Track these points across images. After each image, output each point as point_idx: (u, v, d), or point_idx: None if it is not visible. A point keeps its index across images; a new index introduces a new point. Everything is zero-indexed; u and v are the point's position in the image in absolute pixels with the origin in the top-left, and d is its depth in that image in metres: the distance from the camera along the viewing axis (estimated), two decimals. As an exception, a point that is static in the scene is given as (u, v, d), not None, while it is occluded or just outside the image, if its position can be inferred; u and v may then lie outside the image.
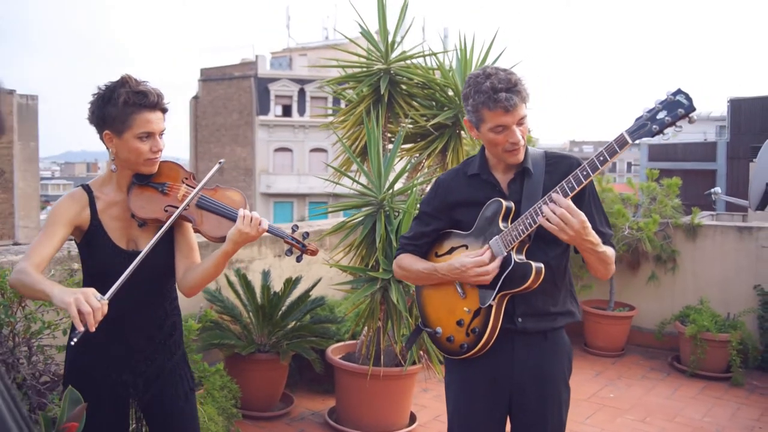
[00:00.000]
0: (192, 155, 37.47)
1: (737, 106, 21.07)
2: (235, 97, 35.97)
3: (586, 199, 2.25)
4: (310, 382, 4.96)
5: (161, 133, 2.26)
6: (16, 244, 18.47)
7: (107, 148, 2.26)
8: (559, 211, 2.03)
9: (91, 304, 1.89)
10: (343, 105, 4.75)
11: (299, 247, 2.26)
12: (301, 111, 35.75)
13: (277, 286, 4.66)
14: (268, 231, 2.21)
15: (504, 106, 2.13)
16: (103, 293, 1.99)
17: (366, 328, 4.18)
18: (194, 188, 2.30)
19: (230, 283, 4.60)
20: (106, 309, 1.93)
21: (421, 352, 4.20)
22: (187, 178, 2.37)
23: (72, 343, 1.95)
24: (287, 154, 35.94)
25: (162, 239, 2.19)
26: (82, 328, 1.88)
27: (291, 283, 4.58)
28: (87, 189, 2.31)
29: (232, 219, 2.23)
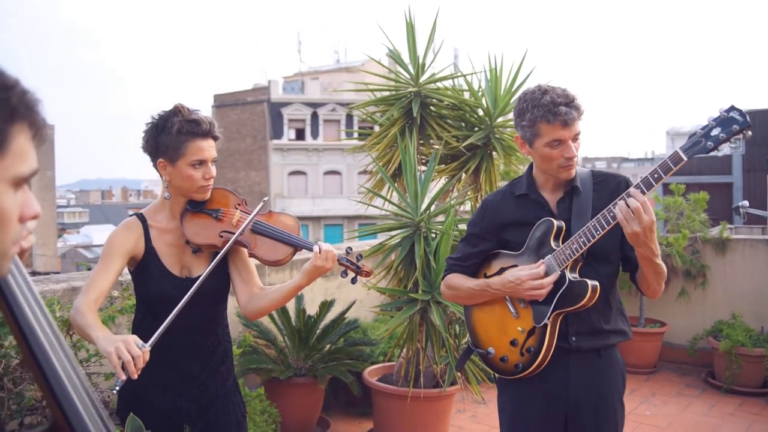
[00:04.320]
0: (207, 181, 37.60)
1: (752, 118, 21.01)
2: (248, 122, 36.27)
3: None
4: (346, 405, 4.95)
5: (213, 161, 2.30)
6: (34, 273, 18.56)
7: (161, 176, 2.30)
8: (634, 204, 2.01)
9: (131, 352, 1.88)
10: (356, 126, 4.78)
11: (354, 269, 2.29)
12: (315, 134, 35.97)
13: (309, 309, 4.67)
14: (338, 261, 2.25)
15: (563, 120, 2.15)
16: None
17: (405, 349, 4.17)
18: (247, 213, 2.34)
19: (265, 308, 4.60)
20: (147, 356, 1.91)
21: (459, 373, 4.18)
22: (239, 204, 2.40)
23: (115, 391, 1.96)
24: (301, 178, 36.09)
25: (216, 265, 2.22)
26: (123, 377, 1.87)
27: (326, 307, 4.58)
28: (141, 218, 2.34)
29: (287, 243, 2.28)
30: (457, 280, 2.48)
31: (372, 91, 4.74)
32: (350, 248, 2.36)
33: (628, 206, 2.01)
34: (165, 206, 2.36)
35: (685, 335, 6.44)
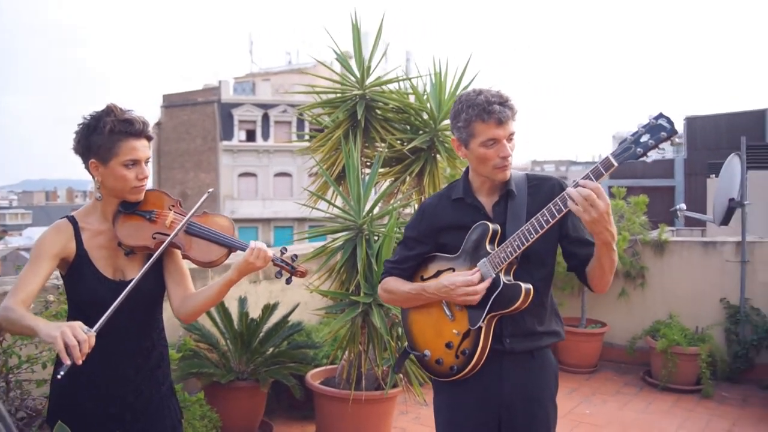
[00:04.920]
0: (155, 182, 37.04)
1: (692, 123, 21.63)
2: (198, 122, 35.80)
3: (570, 218, 2.28)
4: (289, 408, 4.92)
5: (147, 161, 2.26)
6: (-26, 275, 17.91)
7: (93, 177, 2.25)
8: (585, 192, 2.01)
9: (77, 337, 1.86)
10: (307, 128, 4.78)
11: (288, 269, 2.29)
12: (265, 136, 35.71)
13: (253, 312, 4.62)
14: (272, 261, 2.25)
15: (498, 118, 2.19)
16: (91, 324, 1.96)
17: (347, 352, 4.16)
18: (181, 215, 2.31)
19: (207, 312, 4.55)
20: (93, 341, 1.89)
21: (401, 375, 4.20)
22: (173, 206, 2.36)
23: (59, 377, 1.91)
24: (251, 179, 35.79)
25: (151, 267, 2.18)
26: (68, 362, 1.84)
27: (269, 310, 4.55)
28: (72, 219, 2.28)
29: (222, 244, 2.27)
30: (394, 283, 2.49)
31: (318, 93, 4.74)
32: (285, 248, 2.36)
33: (581, 195, 2.02)
34: (97, 208, 2.30)
35: (624, 335, 6.62)
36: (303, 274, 2.32)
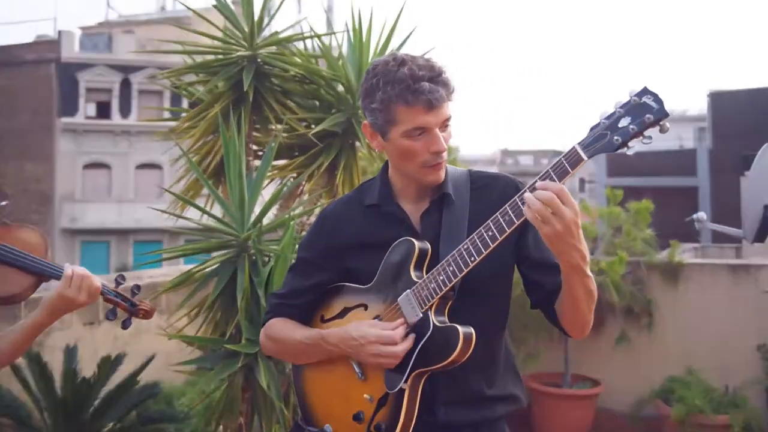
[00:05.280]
0: (-42, 175, 35.98)
1: (719, 101, 22.08)
2: (26, 90, 34.87)
3: (532, 230, 2.25)
4: None
5: None
6: None
7: None
8: (545, 195, 2.00)
9: None
10: (186, 104, 4.70)
11: (126, 306, 2.30)
12: (125, 111, 35.05)
13: (87, 368, 4.54)
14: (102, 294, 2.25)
15: (427, 101, 2.17)
16: None
17: (222, 426, 4.08)
18: None
19: (14, 368, 4.40)
20: None
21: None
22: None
23: None
24: (103, 173, 35.09)
25: None
26: None
27: (109, 365, 4.48)
28: None
29: (27, 270, 2.23)
30: (282, 327, 2.48)
31: (190, 53, 4.71)
32: (122, 276, 2.36)
33: (539, 200, 2.00)
34: None
35: (626, 398, 6.68)
36: (147, 314, 2.35)
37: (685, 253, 6.72)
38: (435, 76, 2.19)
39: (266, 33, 4.56)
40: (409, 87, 2.17)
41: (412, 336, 2.22)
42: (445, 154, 2.27)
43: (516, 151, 62.00)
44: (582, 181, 50.87)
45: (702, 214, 5.88)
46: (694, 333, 6.60)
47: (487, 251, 2.12)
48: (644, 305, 6.70)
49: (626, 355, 6.77)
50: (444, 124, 2.24)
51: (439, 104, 2.20)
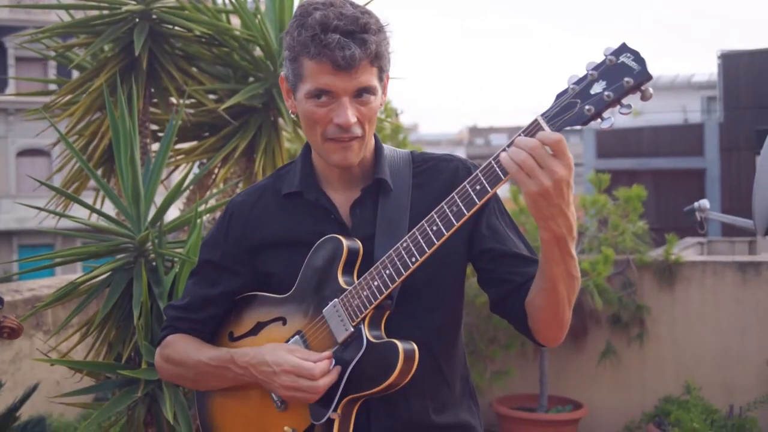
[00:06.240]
0: None
1: (732, 64, 20.55)
2: None
3: (485, 219, 2.16)
4: None
5: None
6: None
7: None
8: (532, 143, 1.76)
9: None
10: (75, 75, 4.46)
11: None
12: (0, 83, 33.29)
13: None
14: None
15: (333, 58, 1.95)
16: None
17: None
18: None
19: None
20: None
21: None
22: None
23: None
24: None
25: None
26: None
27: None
28: None
29: None
30: (181, 346, 2.31)
31: (68, 8, 4.41)
32: None
33: (525, 147, 1.78)
34: None
35: (613, 422, 6.50)
36: (13, 333, 2.29)
37: (687, 249, 6.48)
38: (354, 30, 1.97)
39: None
40: (315, 36, 1.97)
41: (337, 369, 2.06)
42: (357, 131, 2.06)
43: (487, 129, 61.25)
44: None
45: (705, 202, 5.51)
46: (693, 345, 6.37)
47: (432, 249, 1.96)
48: (634, 313, 6.47)
49: (613, 372, 6.53)
50: (360, 93, 2.03)
51: (351, 65, 1.98)
